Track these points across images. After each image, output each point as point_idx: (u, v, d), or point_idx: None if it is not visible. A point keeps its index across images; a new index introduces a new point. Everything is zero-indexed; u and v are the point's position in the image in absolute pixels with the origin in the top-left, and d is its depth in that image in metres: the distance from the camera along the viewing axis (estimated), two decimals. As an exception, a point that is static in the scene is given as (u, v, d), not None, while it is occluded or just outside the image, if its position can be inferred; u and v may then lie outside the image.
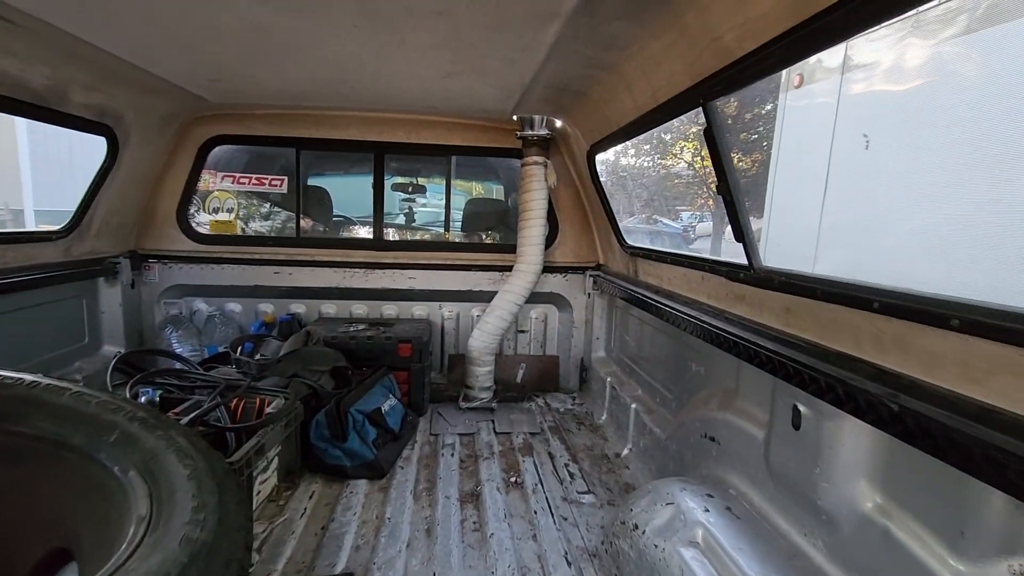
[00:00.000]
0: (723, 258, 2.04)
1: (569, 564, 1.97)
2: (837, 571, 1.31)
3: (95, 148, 2.99)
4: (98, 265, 3.13)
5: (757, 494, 1.68)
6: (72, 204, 3.04)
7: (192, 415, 2.22)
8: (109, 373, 2.47)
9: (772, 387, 1.63)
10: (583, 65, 2.21)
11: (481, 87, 2.70)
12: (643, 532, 1.69)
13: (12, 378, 1.67)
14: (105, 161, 2.95)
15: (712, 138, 1.71)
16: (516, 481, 2.61)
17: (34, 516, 1.62)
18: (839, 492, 1.34)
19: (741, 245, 1.77)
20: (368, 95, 2.99)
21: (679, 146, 19.69)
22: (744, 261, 1.80)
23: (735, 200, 1.73)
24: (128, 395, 2.41)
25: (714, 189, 1.95)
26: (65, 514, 1.58)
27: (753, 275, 1.76)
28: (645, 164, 20.60)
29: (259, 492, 2.29)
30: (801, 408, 1.47)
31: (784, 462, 1.57)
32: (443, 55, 2.19)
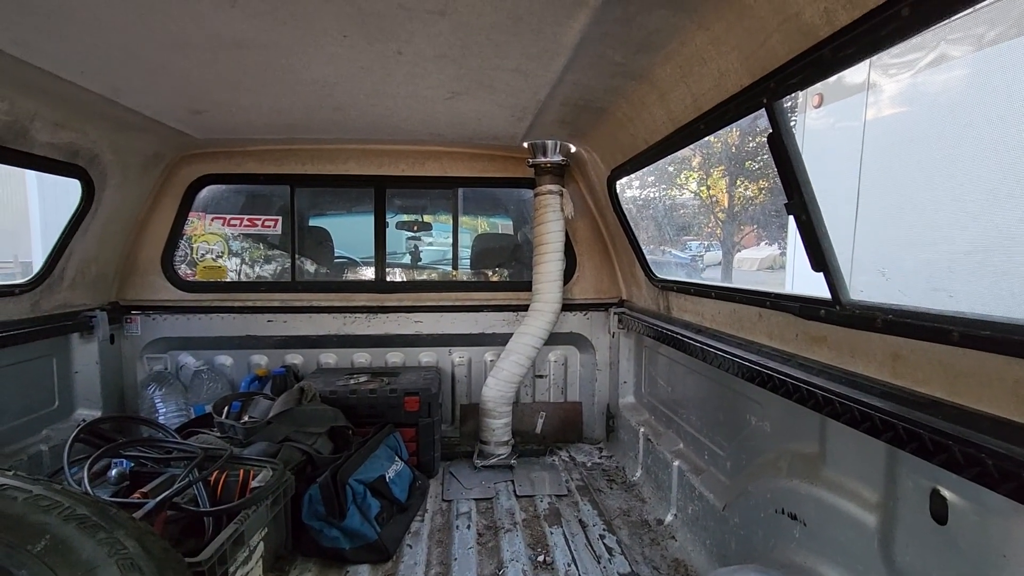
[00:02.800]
0: (794, 292, 1.69)
1: None
2: None
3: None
4: (71, 320, 2.83)
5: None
6: None
7: (160, 496, 1.87)
8: (68, 445, 2.12)
9: (887, 459, 1.26)
10: (608, 75, 1.92)
11: (490, 108, 2.42)
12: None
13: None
14: (79, 206, 2.68)
15: (781, 144, 1.39)
16: (545, 561, 2.20)
17: None
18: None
19: (822, 275, 1.43)
20: (365, 123, 2.73)
21: (684, 175, 19.59)
22: (825, 295, 1.45)
23: (812, 219, 1.40)
24: (87, 471, 2.06)
25: (782, 208, 1.62)
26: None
27: (840, 312, 1.41)
28: (650, 195, 20.47)
29: (240, 588, 1.91)
30: (947, 495, 1.09)
31: (919, 564, 1.18)
32: (446, 68, 1.91)
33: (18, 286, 2.56)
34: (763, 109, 1.41)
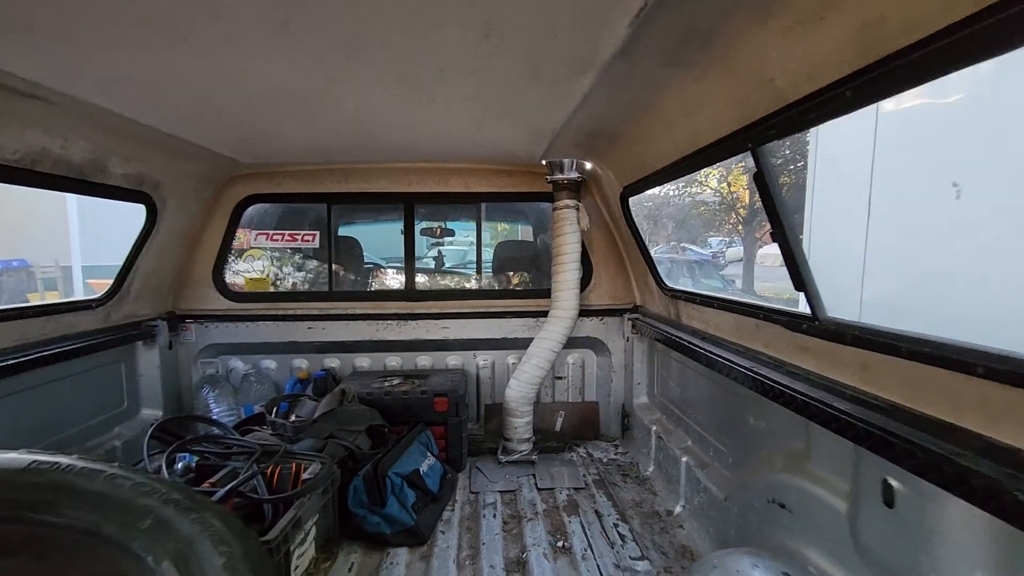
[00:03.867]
0: (780, 306, 1.90)
1: (630, 648, 1.80)
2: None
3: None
4: (136, 329, 3.15)
5: (843, 574, 1.50)
6: (113, 258, 3.08)
7: (228, 486, 2.15)
8: (146, 441, 2.43)
9: (853, 454, 1.47)
10: (619, 109, 2.15)
11: (511, 134, 2.66)
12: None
13: (47, 462, 1.63)
14: (144, 227, 2.99)
15: (764, 183, 1.61)
16: (564, 546, 2.45)
17: None
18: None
19: (802, 295, 1.64)
20: (396, 148, 2.99)
21: (704, 173, 19.55)
22: (806, 311, 1.66)
23: (792, 248, 1.61)
24: (165, 464, 2.36)
25: (737, 220, 1.83)
26: (98, 609, 1.51)
27: (818, 327, 1.62)
28: (671, 192, 20.47)
29: (296, 567, 2.19)
30: (894, 484, 1.31)
31: (877, 543, 1.40)
32: (473, 107, 2.16)
33: (94, 300, 2.88)
34: (749, 151, 1.62)
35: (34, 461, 1.61)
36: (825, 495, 1.60)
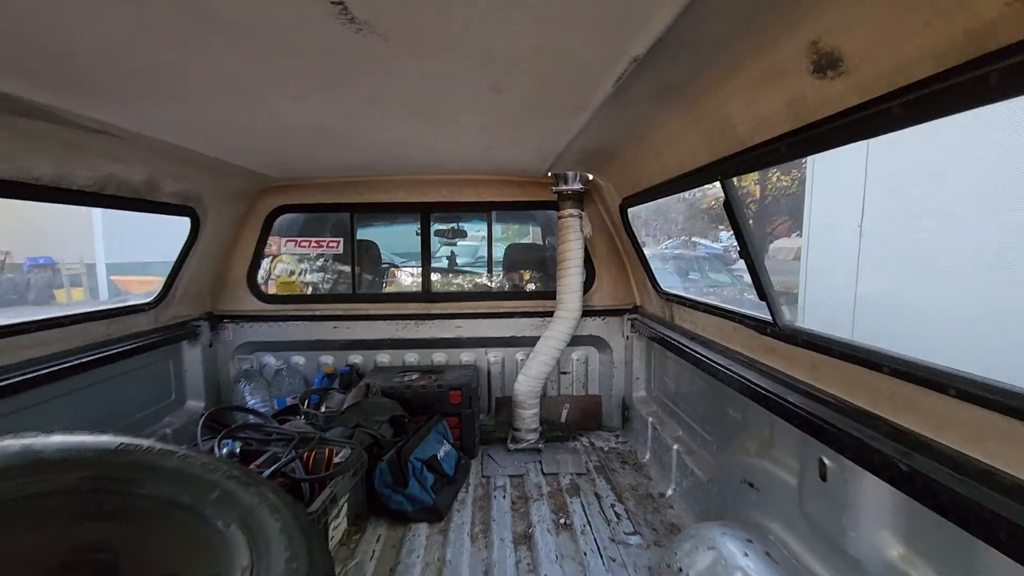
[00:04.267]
0: (749, 312, 2.18)
1: (619, 605, 2.10)
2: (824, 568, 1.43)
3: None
4: (182, 329, 3.50)
5: (794, 540, 1.79)
6: (137, 255, 3.41)
7: (272, 467, 2.48)
8: (200, 428, 2.77)
9: (801, 439, 1.75)
10: (614, 136, 2.43)
11: (518, 154, 2.95)
12: (682, 572, 1.82)
13: (132, 444, 1.96)
14: (188, 238, 3.33)
15: (731, 211, 1.88)
16: (565, 522, 2.75)
17: (149, 570, 1.87)
18: (865, 542, 1.45)
19: (765, 303, 1.92)
20: (414, 164, 3.30)
21: (714, 168, 19.57)
22: (769, 318, 1.94)
23: (756, 265, 1.89)
24: (216, 447, 2.70)
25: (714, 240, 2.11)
26: (176, 566, 1.83)
27: (778, 331, 1.90)
28: (680, 188, 20.51)
29: (332, 537, 2.52)
30: (827, 461, 1.59)
31: (815, 511, 1.68)
32: (483, 134, 2.45)
33: (146, 304, 3.23)
34: (719, 182, 1.90)
35: (121, 443, 1.94)
36: (783, 474, 1.89)
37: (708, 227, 20.16)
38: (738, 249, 1.97)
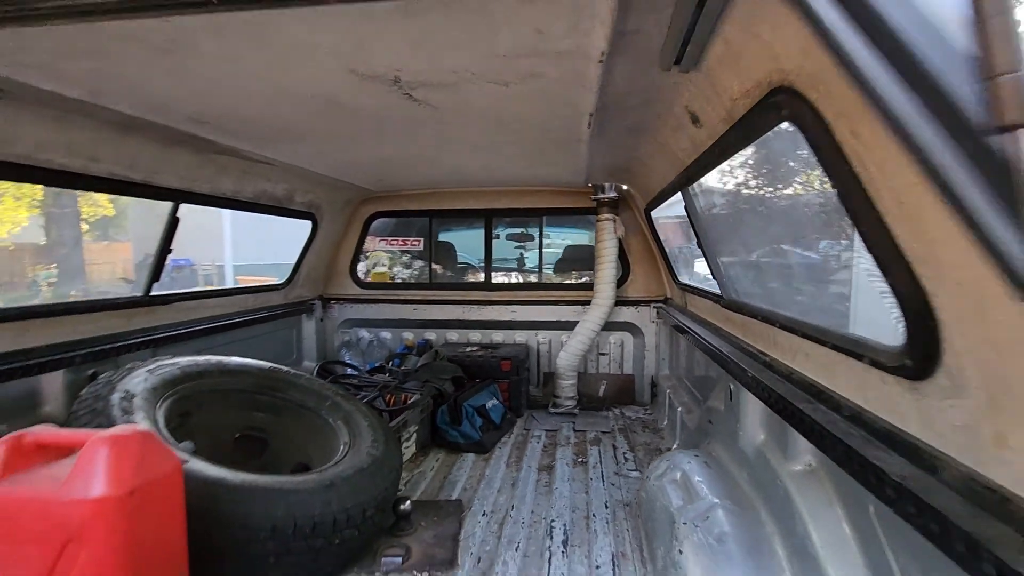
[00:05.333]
0: (709, 288, 2.82)
1: (607, 507, 2.81)
2: (749, 487, 2.05)
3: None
4: (302, 305, 4.61)
5: (722, 449, 2.41)
6: (257, 258, 4.55)
7: (364, 398, 3.43)
8: (315, 372, 3.80)
9: (727, 377, 2.38)
10: (620, 156, 3.15)
11: (555, 172, 3.73)
12: (649, 478, 2.51)
13: (281, 369, 2.96)
14: (309, 236, 4.43)
15: (690, 218, 2.56)
16: (582, 461, 3.47)
17: (290, 445, 2.83)
18: (749, 437, 2.08)
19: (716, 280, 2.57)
20: (478, 179, 4.17)
21: (803, 168, 18.97)
22: (719, 292, 2.59)
23: (708, 253, 2.54)
24: (325, 389, 3.71)
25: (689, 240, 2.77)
26: (305, 444, 2.79)
27: (725, 302, 2.54)
28: (765, 192, 19.98)
29: (404, 455, 3.42)
30: (731, 387, 2.23)
31: (727, 422, 2.32)
32: (523, 160, 3.26)
33: (279, 285, 4.35)
34: (680, 193, 2.58)
35: (272, 366, 2.95)
36: (720, 406, 2.52)
37: (803, 232, 19.46)
38: (697, 242, 2.63)
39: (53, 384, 2.36)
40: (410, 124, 2.37)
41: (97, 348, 2.57)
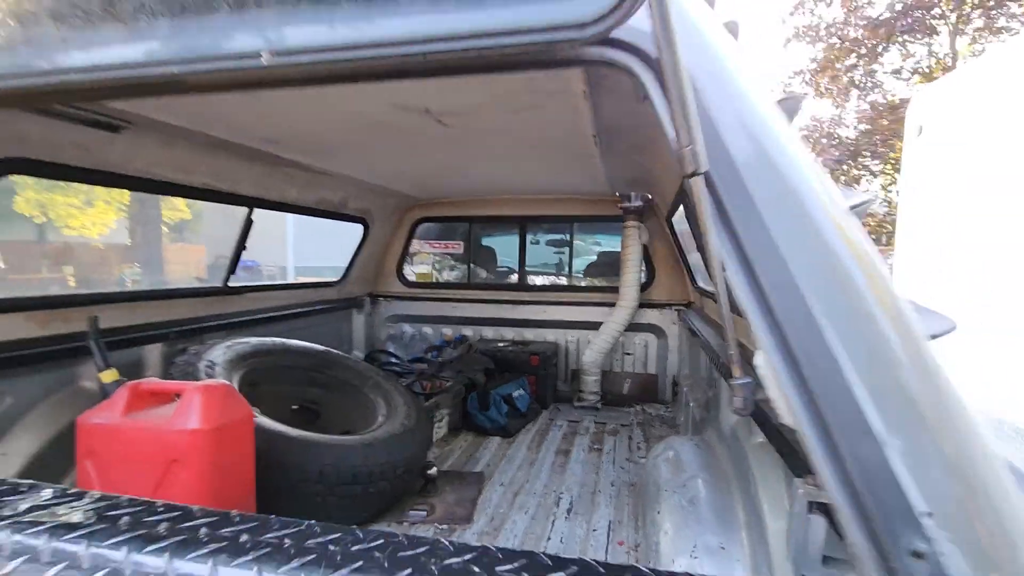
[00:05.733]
0: (703, 286, 3.08)
1: (612, 485, 3.12)
2: (726, 462, 2.33)
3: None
4: (353, 301, 5.13)
5: (713, 434, 2.68)
6: (316, 260, 5.09)
7: (403, 383, 3.87)
8: (363, 359, 4.28)
9: (707, 361, 2.65)
10: (634, 169, 3.46)
11: (579, 181, 4.08)
12: (648, 459, 2.81)
13: (332, 352, 3.44)
14: (361, 239, 4.94)
15: (689, 216, 2.85)
16: (597, 448, 3.78)
17: (343, 416, 3.28)
18: (728, 420, 2.36)
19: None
20: (514, 188, 4.56)
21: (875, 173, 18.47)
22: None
23: (683, 259, 2.82)
24: (370, 374, 4.18)
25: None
26: (352, 415, 3.23)
27: (701, 290, 2.81)
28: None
29: (436, 435, 3.83)
30: (714, 376, 2.50)
31: (716, 410, 2.59)
32: (548, 172, 3.63)
33: (334, 282, 4.88)
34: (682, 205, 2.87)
35: (325, 349, 3.43)
36: (713, 397, 2.78)
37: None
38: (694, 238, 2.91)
39: (153, 354, 2.90)
40: (442, 141, 2.78)
41: (186, 328, 3.11)
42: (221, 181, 3.09)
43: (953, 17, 17.16)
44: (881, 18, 17.37)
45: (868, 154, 18.28)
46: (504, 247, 6.09)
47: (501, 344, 4.88)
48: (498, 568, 0.69)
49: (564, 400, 4.95)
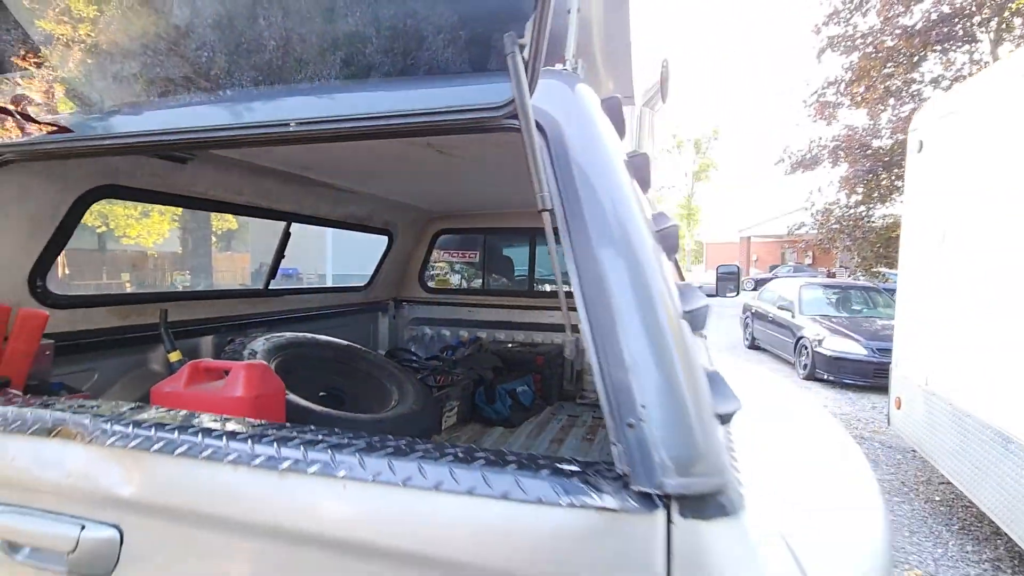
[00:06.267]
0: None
1: (594, 468, 3.51)
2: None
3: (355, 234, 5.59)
4: (378, 305, 5.68)
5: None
6: (351, 268, 5.66)
7: (418, 377, 4.37)
8: (384, 356, 4.80)
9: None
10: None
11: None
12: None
13: (355, 346, 3.97)
14: (386, 249, 5.50)
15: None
16: (589, 438, 4.18)
17: (363, 401, 3.79)
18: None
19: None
20: (521, 203, 5.03)
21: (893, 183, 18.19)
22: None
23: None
24: (390, 368, 4.70)
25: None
26: (370, 400, 3.74)
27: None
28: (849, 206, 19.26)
29: (445, 423, 4.31)
30: None
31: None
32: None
33: (361, 287, 5.45)
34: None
35: (350, 344, 3.97)
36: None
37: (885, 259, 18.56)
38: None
39: (206, 344, 3.48)
40: (448, 167, 3.28)
41: (233, 323, 3.69)
42: (264, 199, 3.68)
43: (994, 24, 16.84)
44: (916, 27, 17.17)
45: (904, 165, 17.98)
46: (522, 257, 6.56)
47: (510, 345, 5.34)
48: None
49: (568, 398, 5.35)
